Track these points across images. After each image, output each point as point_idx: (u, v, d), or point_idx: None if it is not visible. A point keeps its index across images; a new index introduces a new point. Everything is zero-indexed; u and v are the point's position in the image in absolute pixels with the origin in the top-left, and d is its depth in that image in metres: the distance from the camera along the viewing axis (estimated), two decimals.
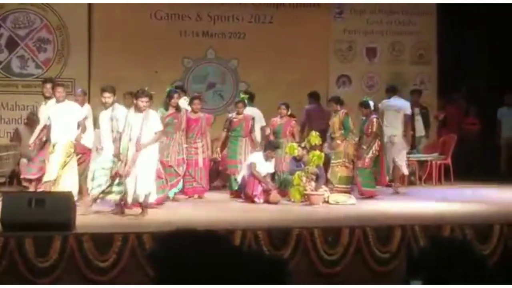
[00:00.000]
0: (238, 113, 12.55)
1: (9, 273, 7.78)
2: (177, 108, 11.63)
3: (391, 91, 13.62)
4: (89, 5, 14.52)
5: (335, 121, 12.42)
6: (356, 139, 12.36)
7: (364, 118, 12.44)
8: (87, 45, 14.57)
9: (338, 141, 12.21)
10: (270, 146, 11.98)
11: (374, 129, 12.14)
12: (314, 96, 14.28)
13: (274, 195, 11.53)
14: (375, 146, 12.16)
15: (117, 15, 14.51)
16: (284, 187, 11.89)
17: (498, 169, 15.36)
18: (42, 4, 14.48)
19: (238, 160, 12.23)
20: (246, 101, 12.64)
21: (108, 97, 10.35)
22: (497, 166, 15.42)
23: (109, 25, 14.55)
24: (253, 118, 12.69)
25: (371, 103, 12.49)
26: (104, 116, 10.45)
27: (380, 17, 16.05)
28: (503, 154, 15.49)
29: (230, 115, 12.74)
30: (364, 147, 12.08)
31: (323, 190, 11.60)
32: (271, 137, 12.65)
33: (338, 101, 12.61)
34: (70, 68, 14.45)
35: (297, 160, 11.88)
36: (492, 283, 2.79)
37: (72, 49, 14.56)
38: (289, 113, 12.78)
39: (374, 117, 12.32)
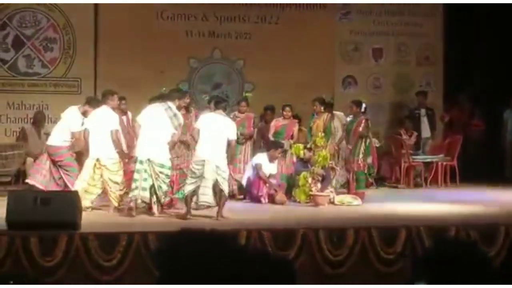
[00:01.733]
0: (240, 112, 12.57)
1: (14, 272, 7.78)
2: (187, 109, 11.61)
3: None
4: (95, 4, 14.52)
5: (318, 123, 12.23)
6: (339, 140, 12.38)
7: (351, 116, 12.44)
8: (93, 44, 14.57)
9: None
10: (273, 146, 11.97)
11: (361, 129, 12.10)
12: (272, 110, 13.47)
13: (280, 195, 11.53)
14: (362, 147, 12.12)
15: (123, 14, 14.50)
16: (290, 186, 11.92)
17: (503, 170, 15.32)
18: (49, 3, 14.49)
19: (237, 159, 12.16)
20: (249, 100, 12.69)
21: None
22: (502, 168, 15.38)
23: (115, 25, 14.55)
24: (255, 117, 12.74)
25: (363, 105, 12.49)
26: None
27: (386, 19, 16.03)
28: (508, 156, 15.46)
29: (232, 114, 12.73)
30: (353, 149, 12.05)
31: (329, 191, 11.60)
32: (271, 138, 12.61)
33: (323, 102, 12.45)
34: (76, 68, 14.45)
35: (304, 161, 11.86)
36: (497, 284, 2.79)
37: (78, 49, 14.56)
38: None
39: (363, 118, 12.32)
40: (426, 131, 15.07)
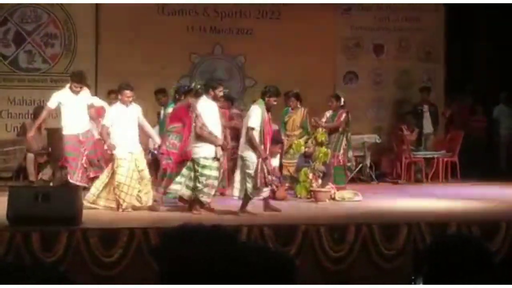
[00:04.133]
0: None
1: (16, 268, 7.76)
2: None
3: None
4: None
5: (294, 118, 12.24)
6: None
7: (332, 112, 12.40)
8: (94, 40, 14.57)
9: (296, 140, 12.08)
10: (273, 141, 11.95)
11: (342, 120, 12.14)
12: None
13: (281, 191, 11.52)
14: (344, 142, 12.16)
15: (124, 10, 14.49)
16: None
17: (498, 165, 15.35)
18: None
19: None
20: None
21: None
22: (498, 162, 15.42)
23: (116, 20, 14.55)
24: None
25: (342, 99, 12.46)
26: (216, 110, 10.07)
27: (388, 14, 16.01)
28: (502, 152, 15.48)
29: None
30: (334, 143, 12.09)
31: (330, 187, 11.59)
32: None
33: (298, 97, 12.39)
34: (77, 63, 14.44)
35: (306, 156, 11.85)
36: (498, 280, 2.78)
37: (79, 44, 14.57)
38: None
39: (343, 111, 12.29)
40: (428, 127, 15.06)
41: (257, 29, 15.30)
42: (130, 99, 10.18)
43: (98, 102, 11.15)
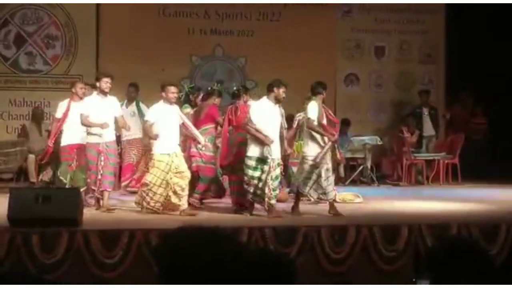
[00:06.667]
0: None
1: (16, 269, 7.77)
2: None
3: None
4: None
5: None
6: None
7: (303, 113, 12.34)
8: (95, 41, 14.60)
9: None
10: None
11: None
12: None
13: (282, 193, 11.50)
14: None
15: (125, 12, 14.52)
16: None
17: (504, 168, 15.30)
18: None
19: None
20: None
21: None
22: (504, 166, 15.36)
23: (117, 22, 14.56)
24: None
25: None
26: (275, 111, 9.83)
27: (388, 16, 16.03)
28: None
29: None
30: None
31: None
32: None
33: None
34: (78, 65, 14.48)
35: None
36: (498, 283, 2.78)
37: (80, 46, 14.59)
38: None
39: None
40: (428, 130, 15.06)
41: (258, 31, 15.32)
42: (175, 95, 9.91)
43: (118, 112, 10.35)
